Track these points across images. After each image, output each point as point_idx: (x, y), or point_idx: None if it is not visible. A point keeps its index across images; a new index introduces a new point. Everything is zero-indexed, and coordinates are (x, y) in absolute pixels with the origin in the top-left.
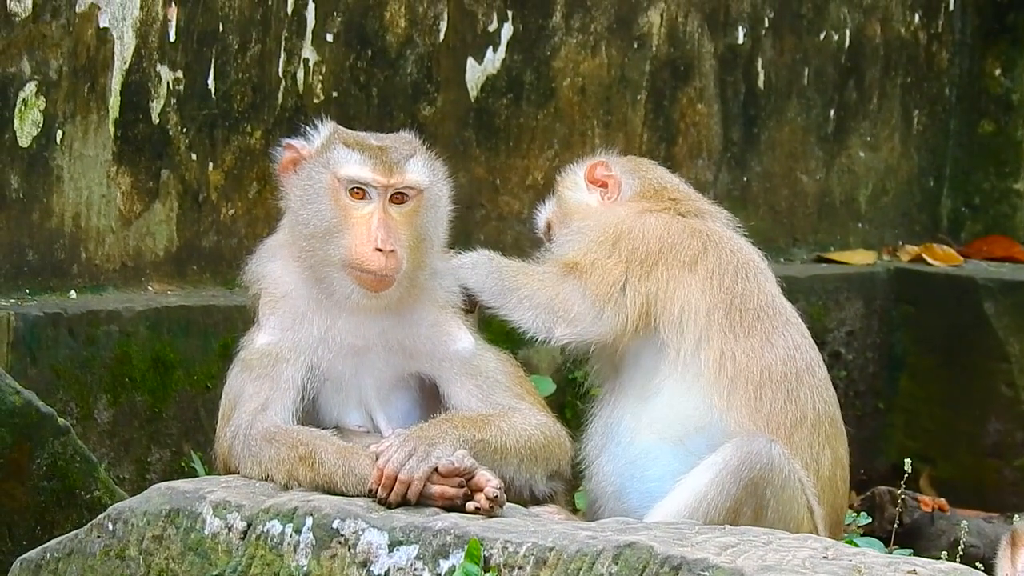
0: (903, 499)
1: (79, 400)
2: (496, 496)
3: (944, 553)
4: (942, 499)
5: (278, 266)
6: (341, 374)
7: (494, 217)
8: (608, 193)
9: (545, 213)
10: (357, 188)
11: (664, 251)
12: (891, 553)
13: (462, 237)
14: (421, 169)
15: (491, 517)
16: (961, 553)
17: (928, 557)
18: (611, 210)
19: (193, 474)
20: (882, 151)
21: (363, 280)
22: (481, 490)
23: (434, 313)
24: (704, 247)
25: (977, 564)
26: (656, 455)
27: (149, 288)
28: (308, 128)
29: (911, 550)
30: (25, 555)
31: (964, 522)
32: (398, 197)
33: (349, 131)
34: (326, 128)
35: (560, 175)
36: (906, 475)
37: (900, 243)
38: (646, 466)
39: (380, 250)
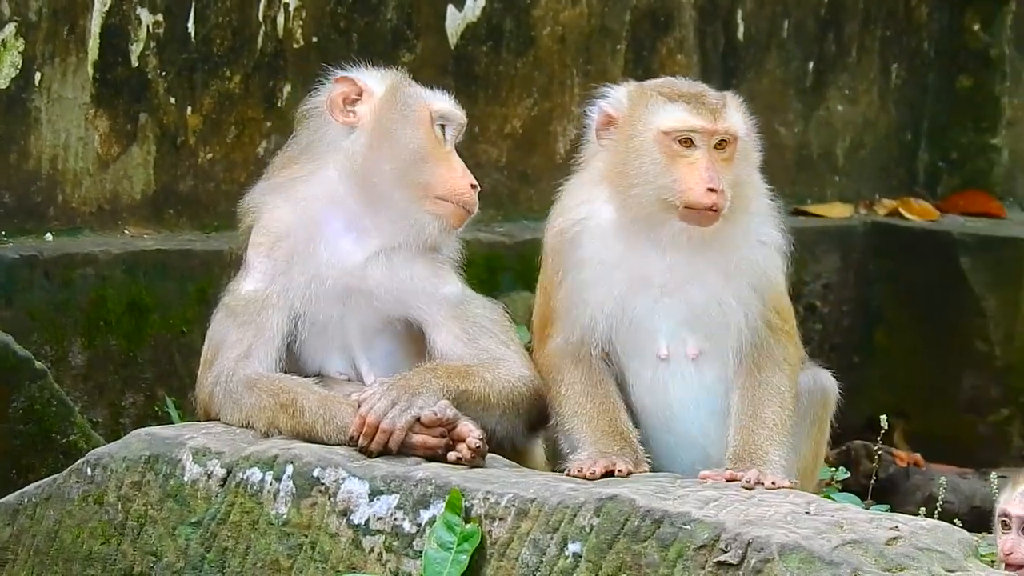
0: (879, 454)
1: (54, 343)
2: (478, 447)
3: (922, 509)
4: (917, 454)
5: (282, 211)
6: (328, 318)
7: (471, 165)
8: None
9: None
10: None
11: None
12: (868, 508)
13: None
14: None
15: (473, 467)
16: (939, 509)
17: (903, 512)
18: None
19: (167, 419)
20: (860, 104)
21: (448, 215)
22: (463, 440)
23: (425, 256)
24: None
25: (955, 520)
26: None
27: (126, 231)
28: None
29: (888, 505)
30: (2, 499)
31: (943, 478)
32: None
33: None
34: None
35: None
36: (882, 431)
37: (877, 197)
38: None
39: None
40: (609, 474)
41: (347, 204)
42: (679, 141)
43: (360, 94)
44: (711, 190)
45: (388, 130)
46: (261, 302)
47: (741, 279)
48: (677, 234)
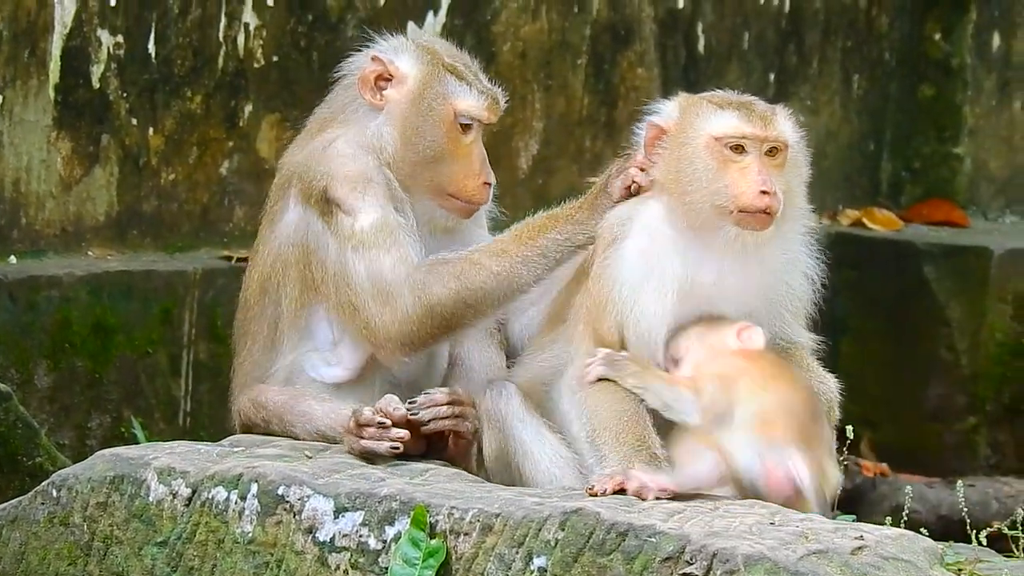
0: (845, 464)
1: (19, 365)
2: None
3: (888, 519)
4: (884, 464)
5: (351, 163)
6: None
7: None
8: None
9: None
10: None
11: None
12: (835, 518)
13: None
14: None
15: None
16: (905, 518)
17: (871, 522)
18: None
19: (133, 440)
20: (822, 115)
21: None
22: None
23: None
24: None
25: (921, 529)
26: None
27: (89, 253)
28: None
29: (854, 515)
30: None
31: (909, 488)
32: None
33: None
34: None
35: None
36: (848, 441)
37: (840, 207)
38: None
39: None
40: (624, 492)
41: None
42: (730, 147)
43: (391, 76)
44: (764, 192)
45: (410, 129)
46: (390, 224)
47: (775, 305)
48: (731, 240)
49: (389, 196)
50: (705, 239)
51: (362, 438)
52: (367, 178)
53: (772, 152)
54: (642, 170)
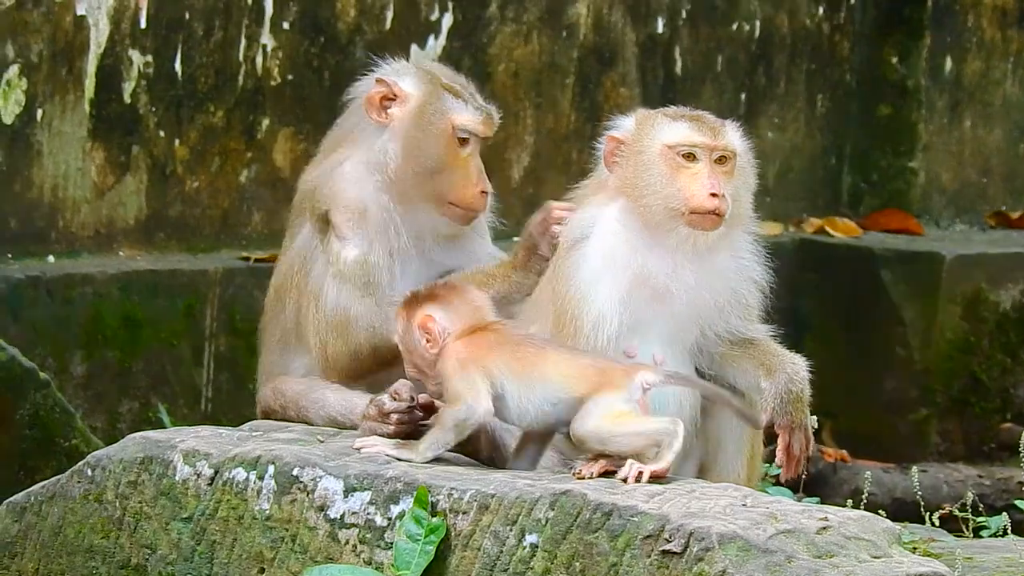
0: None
1: (56, 355)
2: None
3: (849, 501)
4: (844, 451)
5: (351, 192)
6: (404, 277)
7: None
8: None
9: None
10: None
11: None
12: (800, 501)
13: None
14: None
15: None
16: (864, 501)
17: (832, 504)
18: None
19: (160, 424)
20: (788, 132)
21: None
22: None
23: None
24: None
25: (879, 511)
26: None
27: (120, 254)
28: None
29: (818, 498)
30: (11, 499)
31: (868, 473)
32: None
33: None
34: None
35: None
36: (814, 430)
37: (804, 216)
38: None
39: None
40: (608, 474)
41: (388, 192)
42: (682, 155)
43: (395, 97)
44: (713, 195)
45: (413, 143)
46: (371, 263)
47: (725, 306)
48: (683, 240)
49: (381, 227)
50: (659, 239)
51: (390, 424)
52: (363, 207)
53: (721, 160)
54: (558, 221)
